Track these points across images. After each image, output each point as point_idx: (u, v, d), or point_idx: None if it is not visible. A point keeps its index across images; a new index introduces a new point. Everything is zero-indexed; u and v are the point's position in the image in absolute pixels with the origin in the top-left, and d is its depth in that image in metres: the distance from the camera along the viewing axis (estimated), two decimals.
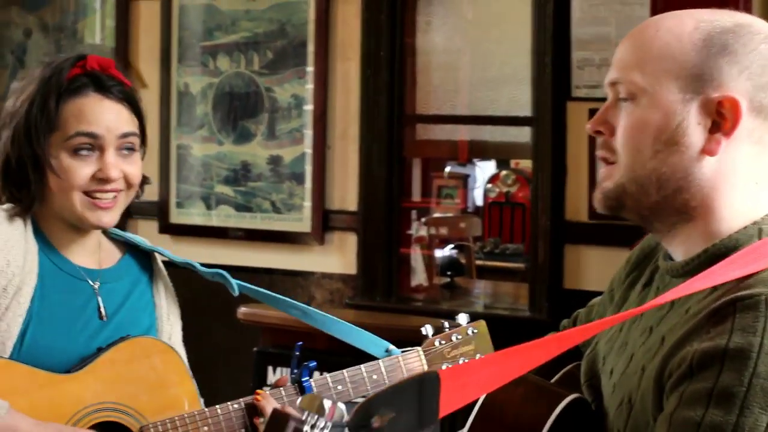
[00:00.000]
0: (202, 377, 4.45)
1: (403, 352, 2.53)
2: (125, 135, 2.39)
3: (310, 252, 5.30)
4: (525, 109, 4.99)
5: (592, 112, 4.75)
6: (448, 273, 5.97)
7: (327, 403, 1.29)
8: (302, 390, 2.41)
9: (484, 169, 8.77)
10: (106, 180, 2.33)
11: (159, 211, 5.58)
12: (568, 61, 4.81)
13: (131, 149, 2.41)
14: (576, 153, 4.80)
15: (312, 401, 1.31)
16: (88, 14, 5.81)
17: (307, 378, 2.41)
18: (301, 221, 5.29)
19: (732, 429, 1.54)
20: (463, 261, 6.57)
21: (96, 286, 2.43)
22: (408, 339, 4.20)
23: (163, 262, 2.65)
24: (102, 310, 2.42)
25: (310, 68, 5.27)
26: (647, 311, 1.85)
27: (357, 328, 2.60)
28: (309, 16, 5.28)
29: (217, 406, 2.35)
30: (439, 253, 6.21)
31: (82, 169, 2.33)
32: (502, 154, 7.03)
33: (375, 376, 2.46)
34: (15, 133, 2.37)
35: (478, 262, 7.39)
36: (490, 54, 5.22)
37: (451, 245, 6.41)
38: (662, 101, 1.75)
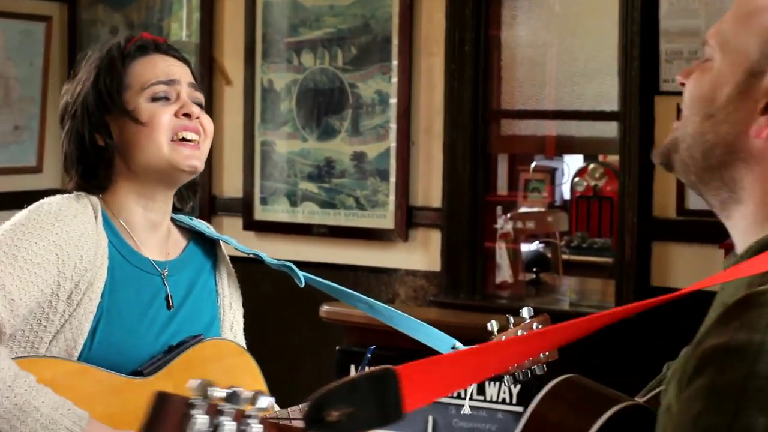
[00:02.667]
0: (286, 373, 4.47)
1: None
2: (194, 86, 2.46)
3: (393, 249, 5.28)
4: (612, 104, 4.92)
5: (681, 107, 4.70)
6: (534, 269, 5.90)
7: (216, 392, 1.24)
8: None
9: (571, 163, 8.66)
10: (188, 115, 2.39)
11: (243, 208, 5.59)
12: (656, 54, 4.73)
13: (201, 106, 2.46)
14: None
15: (201, 387, 1.26)
16: (174, 11, 5.84)
17: None
18: (385, 218, 5.27)
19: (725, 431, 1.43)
20: (549, 256, 6.48)
21: (164, 275, 2.43)
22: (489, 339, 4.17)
23: (231, 255, 2.64)
24: (170, 299, 2.43)
25: (394, 63, 5.24)
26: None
27: (423, 323, 2.58)
28: (393, 11, 5.25)
29: (288, 409, 2.34)
30: (525, 249, 6.13)
31: (165, 110, 2.38)
32: (588, 149, 6.95)
33: None
34: (84, 106, 2.40)
35: (565, 257, 7.30)
36: (576, 47, 5.15)
37: (537, 241, 6.33)
38: (731, 69, 1.66)
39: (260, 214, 5.58)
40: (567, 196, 8.66)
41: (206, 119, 2.44)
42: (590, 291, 6.08)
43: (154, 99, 2.38)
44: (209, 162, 5.59)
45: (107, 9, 5.99)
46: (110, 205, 2.41)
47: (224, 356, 2.41)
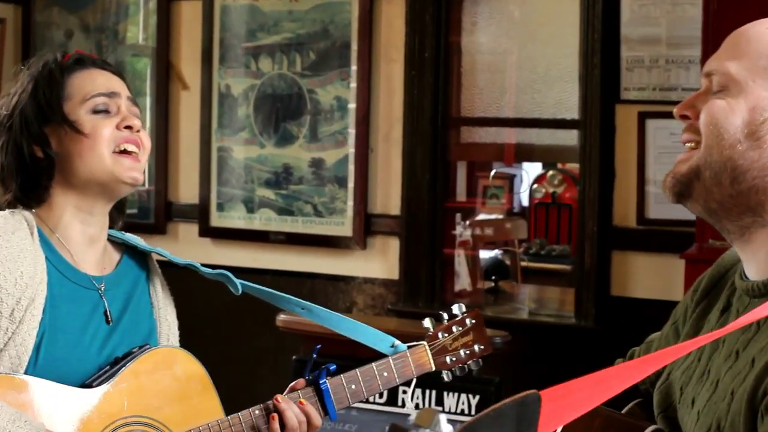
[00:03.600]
0: (243, 382, 4.41)
1: (409, 347, 2.52)
2: (133, 101, 2.44)
3: (351, 256, 5.23)
4: (572, 112, 4.90)
5: (642, 115, 4.71)
6: (493, 277, 5.87)
7: (443, 421, 1.20)
8: (319, 392, 2.40)
9: (530, 170, 8.66)
10: (129, 128, 2.35)
11: (199, 214, 5.53)
12: (617, 62, 4.71)
13: (138, 118, 2.43)
14: (625, 157, 4.70)
15: (427, 416, 1.22)
16: (130, 15, 5.76)
17: (325, 380, 2.40)
18: (343, 225, 5.22)
19: None
20: (507, 263, 6.46)
21: (101, 290, 2.38)
22: None
23: (163, 262, 2.59)
24: (108, 314, 2.38)
25: (353, 69, 5.19)
26: (729, 337, 1.77)
27: (361, 324, 2.56)
28: (352, 17, 5.20)
29: (239, 414, 2.33)
30: (484, 256, 6.11)
31: (106, 123, 2.35)
32: (548, 157, 6.94)
33: (386, 374, 2.45)
34: (22, 117, 2.36)
35: (523, 264, 7.29)
36: (536, 54, 5.12)
37: (496, 248, 6.30)
38: (753, 94, 1.73)
39: (216, 220, 5.52)
40: (525, 203, 8.66)
41: (145, 134, 2.41)
42: (549, 299, 6.06)
43: (95, 111, 2.35)
44: (165, 167, 5.55)
45: (62, 11, 5.90)
46: (46, 220, 2.36)
47: (173, 364, 2.37)
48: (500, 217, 7.35)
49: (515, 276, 6.49)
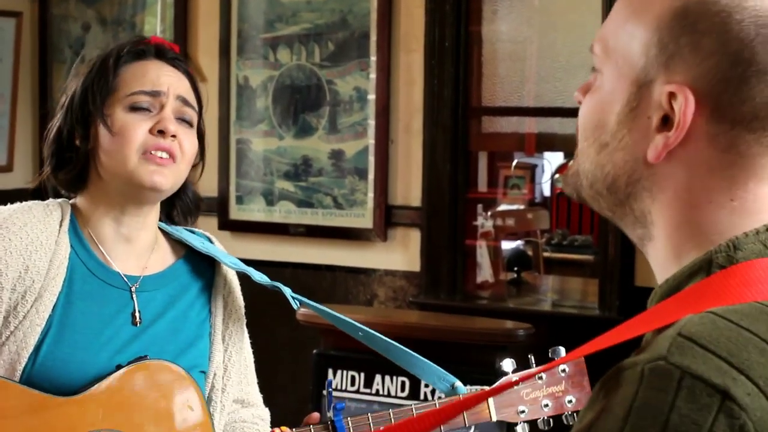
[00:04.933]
0: (262, 377, 4.36)
1: (470, 390, 2.33)
2: (185, 101, 2.28)
3: (372, 249, 5.18)
4: None
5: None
6: (515, 268, 5.82)
7: None
8: (335, 429, 2.27)
9: (551, 160, 8.59)
10: (162, 132, 2.21)
11: (218, 207, 5.48)
12: None
13: (189, 123, 2.29)
14: None
15: None
16: (147, 6, 5.71)
17: (340, 418, 2.28)
18: (364, 217, 5.16)
19: None
20: (530, 254, 6.40)
21: (133, 290, 2.28)
22: (473, 341, 4.09)
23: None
24: (137, 315, 2.27)
25: (372, 60, 5.13)
26: None
27: (424, 359, 2.38)
28: (371, 6, 5.14)
29: None
30: (506, 247, 6.05)
31: (139, 124, 2.23)
32: (571, 147, 6.83)
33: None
34: (70, 103, 2.29)
35: (546, 255, 7.23)
36: (558, 43, 5.05)
37: (518, 239, 6.24)
38: (618, 83, 1.39)
39: (236, 213, 5.47)
40: (547, 193, 8.59)
41: (188, 141, 2.26)
42: (572, 290, 6.00)
43: (133, 108, 2.23)
44: None
45: (79, 4, 5.87)
46: (81, 213, 2.29)
47: (164, 381, 2.22)
48: (522, 207, 7.28)
49: (538, 267, 6.43)
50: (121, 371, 2.18)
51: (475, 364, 3.90)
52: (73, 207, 2.30)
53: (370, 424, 2.28)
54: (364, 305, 5.14)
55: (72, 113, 2.28)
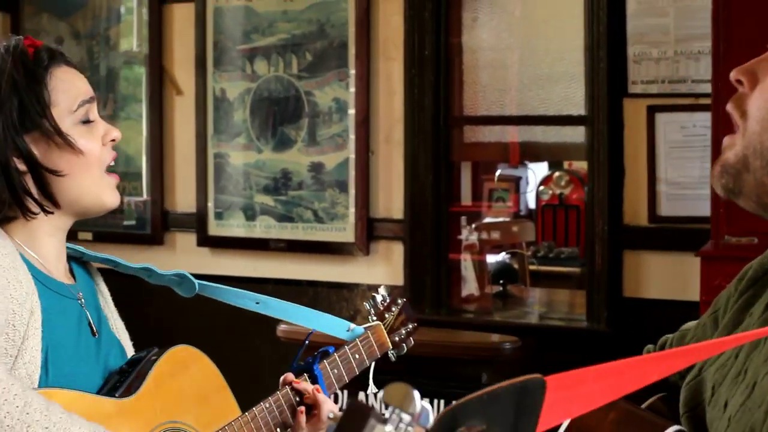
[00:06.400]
0: (246, 394, 4.24)
1: (366, 327, 2.55)
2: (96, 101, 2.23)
3: (354, 263, 5.06)
4: (579, 108, 4.74)
5: (651, 109, 4.55)
6: (501, 281, 5.71)
7: (417, 397, 0.99)
8: (314, 378, 2.39)
9: (536, 171, 8.51)
10: (113, 141, 2.13)
11: (197, 223, 5.36)
12: (623, 55, 4.55)
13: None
14: (634, 153, 4.55)
15: (396, 392, 1.00)
16: (121, 20, 5.60)
17: (316, 365, 2.41)
18: (345, 231, 5.05)
19: None
20: (516, 267, 6.30)
21: (81, 301, 2.18)
22: (458, 356, 3.98)
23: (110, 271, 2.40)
24: (92, 325, 2.19)
25: (351, 70, 5.03)
26: None
27: (316, 311, 2.53)
28: (349, 16, 5.04)
29: (262, 403, 2.29)
30: (491, 260, 5.95)
31: (94, 138, 2.11)
32: (555, 155, 6.77)
33: (357, 356, 2.47)
34: (3, 127, 2.05)
35: (532, 268, 7.13)
36: (540, 50, 4.96)
37: (503, 251, 6.14)
38: None
39: (215, 229, 5.35)
40: (532, 205, 8.51)
41: None
42: (559, 302, 5.90)
43: (84, 122, 2.09)
44: (161, 176, 5.39)
45: (52, 18, 5.75)
46: (16, 235, 2.12)
47: (188, 364, 2.27)
48: (507, 220, 7.18)
49: (524, 280, 6.33)
50: (154, 365, 2.18)
51: (461, 379, 3.80)
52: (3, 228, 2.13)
53: (327, 368, 2.42)
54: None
55: (10, 135, 2.05)
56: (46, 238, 2.14)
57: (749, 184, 1.50)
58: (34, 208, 2.10)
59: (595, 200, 4.61)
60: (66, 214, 2.14)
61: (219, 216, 5.34)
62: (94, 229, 5.46)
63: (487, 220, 6.67)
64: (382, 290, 2.70)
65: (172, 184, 5.48)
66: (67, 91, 2.10)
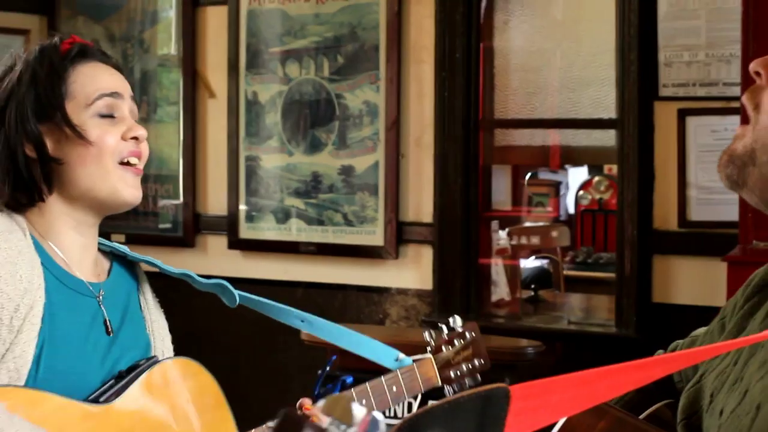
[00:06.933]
0: (269, 398, 4.24)
1: (414, 360, 2.44)
2: (134, 99, 2.26)
3: (383, 266, 5.05)
4: (610, 111, 4.69)
5: (681, 113, 4.49)
6: (532, 286, 5.67)
7: (356, 409, 0.98)
8: None
9: (575, 176, 8.46)
10: (136, 138, 2.17)
11: (228, 226, 5.37)
12: (654, 58, 4.50)
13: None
14: (664, 157, 4.49)
15: (336, 404, 0.99)
16: (156, 23, 5.62)
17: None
18: (375, 234, 5.04)
19: None
20: (550, 272, 6.26)
21: (100, 299, 2.19)
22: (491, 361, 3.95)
23: (157, 273, 2.41)
24: (108, 324, 2.19)
25: (382, 73, 5.02)
26: None
27: (365, 337, 2.44)
28: (380, 19, 5.03)
29: (264, 426, 2.22)
30: (526, 265, 5.91)
31: (113, 131, 2.16)
32: (587, 159, 6.72)
33: (395, 388, 2.37)
34: (18, 112, 2.13)
35: (570, 273, 7.09)
36: (572, 53, 4.92)
37: (534, 256, 6.10)
38: None
39: (245, 232, 5.35)
40: (571, 210, 8.45)
41: (145, 142, 2.23)
42: (591, 308, 5.84)
43: (103, 116, 2.15)
44: (193, 179, 5.40)
45: (87, 21, 5.79)
46: (36, 225, 2.17)
47: (186, 377, 2.21)
48: (542, 224, 7.14)
49: (558, 285, 6.28)
50: (144, 374, 2.14)
51: (483, 383, 3.77)
52: (26, 220, 2.17)
53: (354, 398, 2.31)
54: (376, 324, 5.01)
55: (22, 123, 2.14)
56: (67, 231, 2.18)
57: (753, 177, 1.50)
58: (33, 194, 2.15)
59: (624, 204, 4.56)
60: (84, 207, 2.17)
61: (250, 219, 5.35)
62: (127, 231, 5.49)
63: (525, 224, 6.65)
64: (452, 320, 2.55)
65: (204, 186, 5.50)
66: (87, 84, 2.16)
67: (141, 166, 2.20)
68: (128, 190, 2.16)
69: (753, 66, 1.53)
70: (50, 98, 2.13)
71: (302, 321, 2.41)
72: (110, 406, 2.07)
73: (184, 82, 5.51)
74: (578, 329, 4.84)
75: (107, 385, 2.12)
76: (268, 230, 5.31)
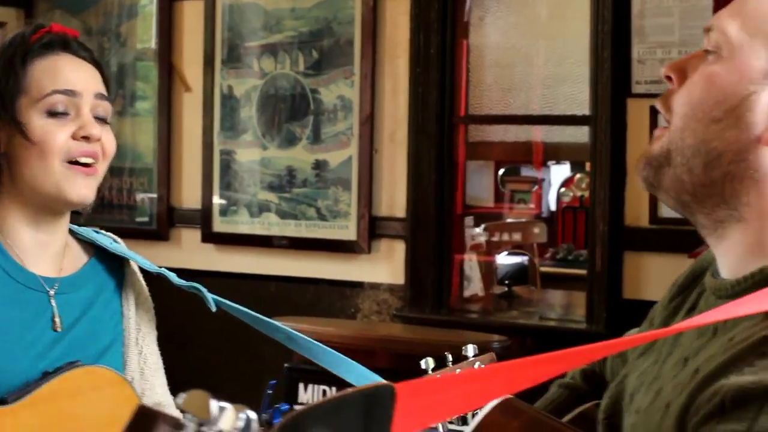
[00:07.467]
0: (237, 393, 4.22)
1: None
2: (101, 96, 2.16)
3: (356, 261, 5.04)
4: (584, 108, 4.69)
5: (654, 110, 4.48)
6: (506, 282, 5.67)
7: (213, 405, 0.96)
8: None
9: (557, 173, 8.47)
10: (87, 138, 2.09)
11: (202, 219, 5.36)
12: (628, 55, 4.50)
13: (104, 120, 2.16)
14: (637, 153, 4.45)
15: (194, 400, 0.98)
16: (132, 16, 5.61)
17: (276, 420, 2.20)
18: (348, 229, 5.04)
19: None
20: (526, 268, 6.26)
21: (51, 294, 2.15)
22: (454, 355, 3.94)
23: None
24: (57, 320, 2.14)
25: (357, 68, 5.01)
26: (684, 341, 1.53)
27: (349, 360, 2.27)
28: (356, 14, 5.03)
29: None
30: (501, 261, 5.91)
31: (60, 130, 2.09)
32: (564, 155, 6.73)
33: None
34: None
35: (550, 270, 7.08)
36: (546, 49, 4.92)
37: (506, 252, 6.08)
38: (744, 63, 1.44)
39: (219, 225, 5.35)
40: (553, 207, 8.45)
41: (108, 139, 2.15)
42: (565, 305, 5.84)
43: (50, 113, 2.09)
44: (167, 172, 5.39)
45: (64, 14, 5.78)
46: None
47: (100, 386, 2.11)
48: (517, 221, 7.13)
49: (534, 281, 6.28)
50: (57, 377, 2.05)
51: None
52: None
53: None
54: (348, 318, 5.01)
55: None
56: (21, 225, 2.14)
57: (668, 178, 1.51)
58: None
59: (596, 201, 4.57)
60: (35, 203, 2.12)
61: (224, 212, 5.34)
62: (101, 224, 5.45)
63: (502, 221, 6.65)
64: (467, 349, 2.22)
65: (178, 180, 5.49)
66: (43, 79, 2.10)
67: (99, 165, 2.13)
68: (74, 190, 2.08)
69: (665, 71, 1.55)
70: (2, 94, 2.10)
71: (288, 338, 2.29)
72: (8, 408, 1.99)
73: (160, 75, 5.50)
74: (548, 325, 4.84)
75: (28, 385, 2.04)
76: (242, 224, 5.30)
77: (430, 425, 1.21)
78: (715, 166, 1.45)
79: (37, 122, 2.08)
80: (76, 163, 2.10)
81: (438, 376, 2.22)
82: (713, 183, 1.46)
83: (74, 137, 2.09)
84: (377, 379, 2.20)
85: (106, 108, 2.17)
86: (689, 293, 1.70)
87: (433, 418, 1.16)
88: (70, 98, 2.11)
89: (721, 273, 1.54)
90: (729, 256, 1.51)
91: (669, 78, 1.54)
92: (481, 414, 1.55)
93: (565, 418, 1.86)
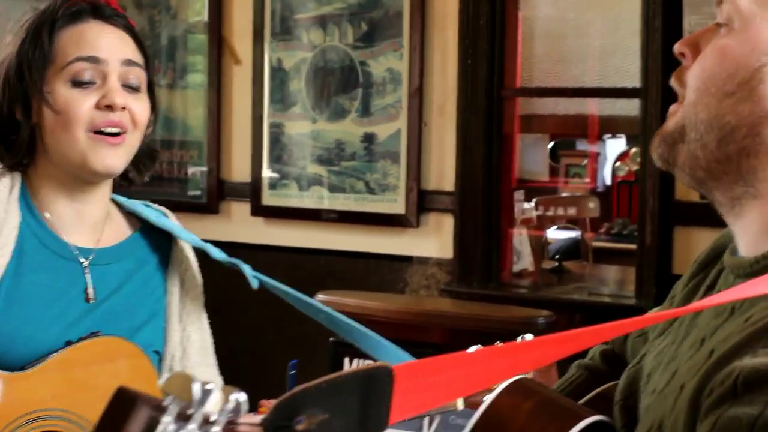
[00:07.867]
0: (279, 366, 4.24)
1: None
2: (129, 63, 2.13)
3: (404, 235, 5.01)
4: (634, 80, 4.62)
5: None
6: (557, 257, 5.62)
7: (195, 387, 0.94)
8: None
9: (613, 147, 8.38)
10: (110, 107, 2.07)
11: (251, 193, 5.36)
12: (679, 26, 4.42)
13: (136, 88, 2.13)
14: None
15: (176, 381, 0.95)
16: None
17: None
18: (396, 202, 5.01)
19: None
20: (579, 243, 6.20)
21: (86, 264, 2.14)
22: (491, 329, 3.92)
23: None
24: (90, 291, 2.13)
25: (405, 40, 4.97)
26: (702, 321, 1.48)
27: (391, 345, 2.23)
28: None
29: None
30: (553, 236, 5.85)
31: (84, 99, 2.07)
32: (616, 128, 6.65)
33: None
34: (5, 75, 2.12)
35: (605, 245, 7.02)
36: (597, 20, 4.86)
37: (556, 227, 6.03)
38: (756, 35, 1.40)
39: (268, 199, 5.34)
40: (608, 181, 8.37)
41: (139, 108, 2.12)
42: (617, 280, 5.77)
43: (76, 81, 2.08)
44: (217, 145, 5.39)
45: None
46: (32, 187, 2.15)
47: (116, 357, 2.09)
48: (570, 195, 7.07)
49: (586, 256, 6.22)
50: (72, 347, 2.04)
51: None
52: (23, 176, 2.16)
53: None
54: (397, 293, 4.98)
55: (9, 88, 2.12)
56: (56, 194, 2.15)
57: (683, 154, 1.48)
58: (15, 156, 2.14)
59: (647, 175, 4.50)
60: (64, 173, 2.13)
61: (273, 186, 5.33)
62: (154, 197, 5.47)
63: (555, 195, 6.59)
64: (527, 337, 2.33)
65: (228, 153, 5.49)
66: (68, 47, 2.10)
67: (128, 135, 2.10)
68: (99, 161, 2.07)
69: (677, 48, 1.51)
70: (30, 63, 2.10)
71: (323, 315, 2.27)
72: (23, 374, 1.99)
73: (210, 48, 5.49)
74: (598, 300, 4.79)
75: (50, 353, 2.03)
76: (292, 197, 5.29)
77: (431, 407, 1.18)
78: (729, 141, 1.42)
79: (61, 92, 2.08)
80: (102, 132, 2.08)
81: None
82: (728, 158, 1.43)
83: (98, 106, 2.08)
84: (408, 359, 2.17)
85: (138, 75, 2.15)
86: (709, 271, 1.65)
87: (434, 400, 1.13)
88: (94, 65, 2.09)
89: (740, 251, 1.50)
90: (747, 234, 1.47)
91: (682, 54, 1.51)
92: (493, 394, 1.51)
93: (583, 399, 1.82)
